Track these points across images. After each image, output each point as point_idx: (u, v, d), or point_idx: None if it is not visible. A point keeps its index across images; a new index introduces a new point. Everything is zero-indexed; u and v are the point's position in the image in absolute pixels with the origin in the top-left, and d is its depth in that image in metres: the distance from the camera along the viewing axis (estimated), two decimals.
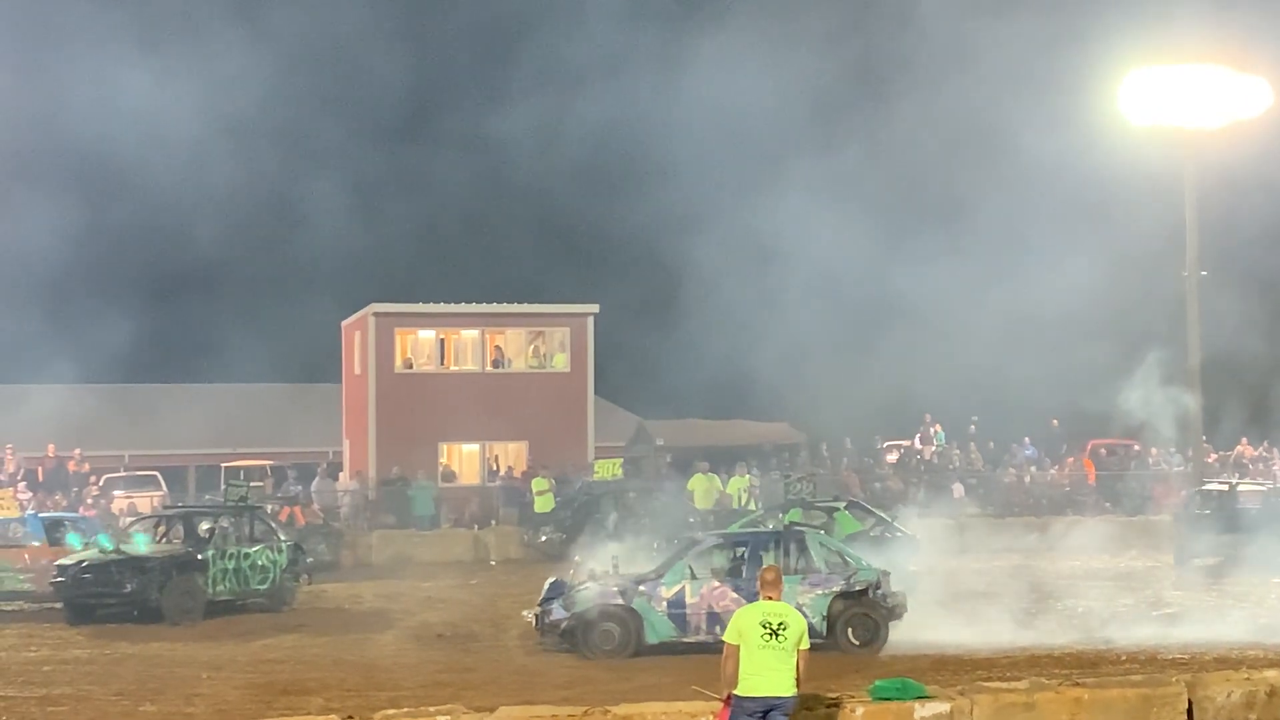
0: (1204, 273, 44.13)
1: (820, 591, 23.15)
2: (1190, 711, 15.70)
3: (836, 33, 40.24)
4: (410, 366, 47.46)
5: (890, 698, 15.16)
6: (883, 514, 31.57)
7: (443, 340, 48.07)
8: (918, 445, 47.05)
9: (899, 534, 30.23)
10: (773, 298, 41.11)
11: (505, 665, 22.26)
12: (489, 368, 47.67)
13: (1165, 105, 43.36)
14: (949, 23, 39.09)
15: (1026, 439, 47.96)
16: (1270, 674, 16.31)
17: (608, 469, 45.09)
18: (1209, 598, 28.47)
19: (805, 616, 22.73)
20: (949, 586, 27.70)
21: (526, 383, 47.54)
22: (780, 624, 13.74)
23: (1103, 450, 46.76)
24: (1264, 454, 46.93)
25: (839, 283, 40.89)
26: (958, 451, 46.61)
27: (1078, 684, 15.90)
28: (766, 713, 13.64)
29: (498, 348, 47.95)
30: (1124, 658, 21.82)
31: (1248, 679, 16.15)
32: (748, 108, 40.68)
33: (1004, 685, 15.96)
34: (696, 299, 38.72)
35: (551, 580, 24.04)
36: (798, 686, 13.81)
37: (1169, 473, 44.77)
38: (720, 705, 14.00)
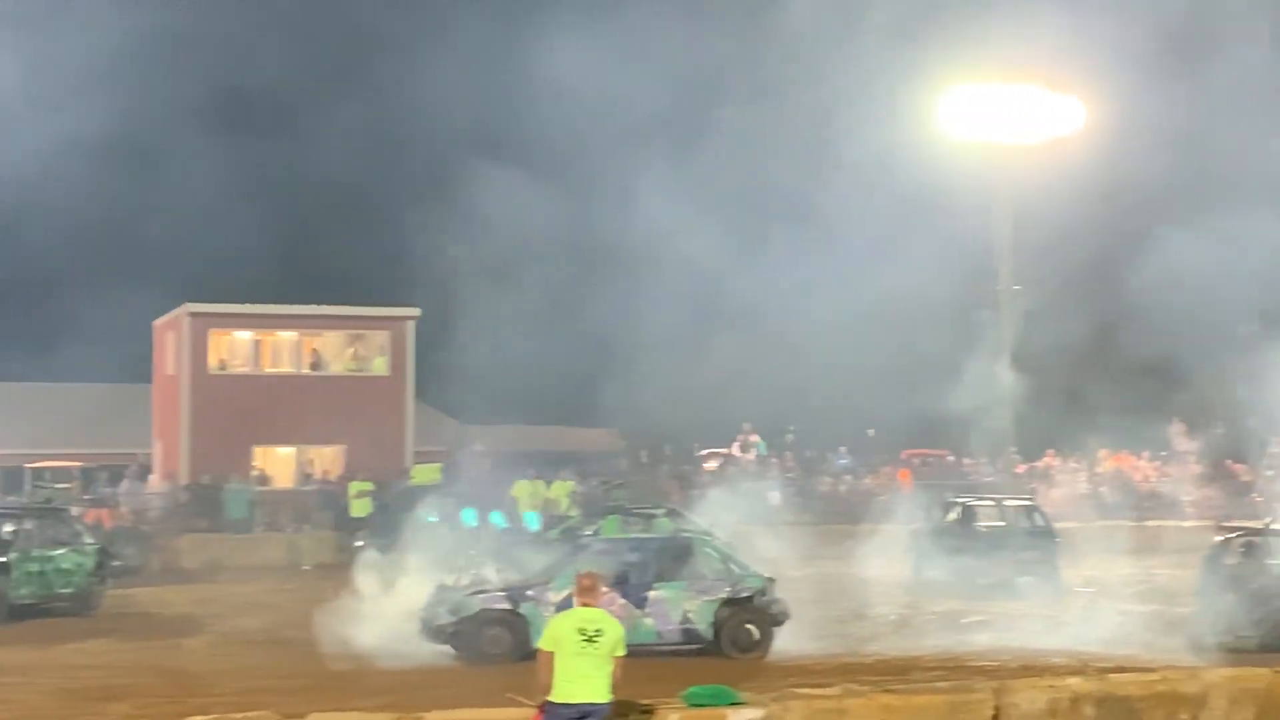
0: (1017, 287, 45.05)
1: (707, 598, 23.34)
2: (996, 718, 15.98)
3: (665, 37, 40.37)
4: (225, 368, 46.82)
5: (704, 704, 15.22)
6: (700, 521, 31.68)
7: (259, 342, 47.50)
8: (736, 453, 47.38)
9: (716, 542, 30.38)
10: (596, 304, 41.13)
11: (322, 671, 21.96)
12: (306, 370, 47.20)
13: (983, 121, 44.28)
14: (776, 35, 39.39)
15: (842, 449, 48.52)
16: (1073, 681, 16.65)
17: (426, 474, 44.78)
18: (1015, 607, 28.96)
19: (691, 622, 23.28)
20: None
21: (344, 386, 47.13)
22: (596, 630, 13.73)
23: (916, 460, 47.46)
24: (1074, 465, 47.95)
25: (663, 290, 41.03)
26: (775, 460, 47.00)
27: (888, 690, 16.11)
28: (583, 716, 13.63)
29: (315, 350, 47.47)
30: (933, 665, 22.12)
31: (1051, 686, 16.47)
32: (572, 110, 40.67)
33: (816, 691, 16.10)
34: (520, 304, 38.59)
35: (437, 585, 23.84)
36: (612, 693, 13.82)
37: (980, 482, 45.54)
38: (535, 712, 13.97)
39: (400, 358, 47.57)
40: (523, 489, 39.04)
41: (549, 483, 40.05)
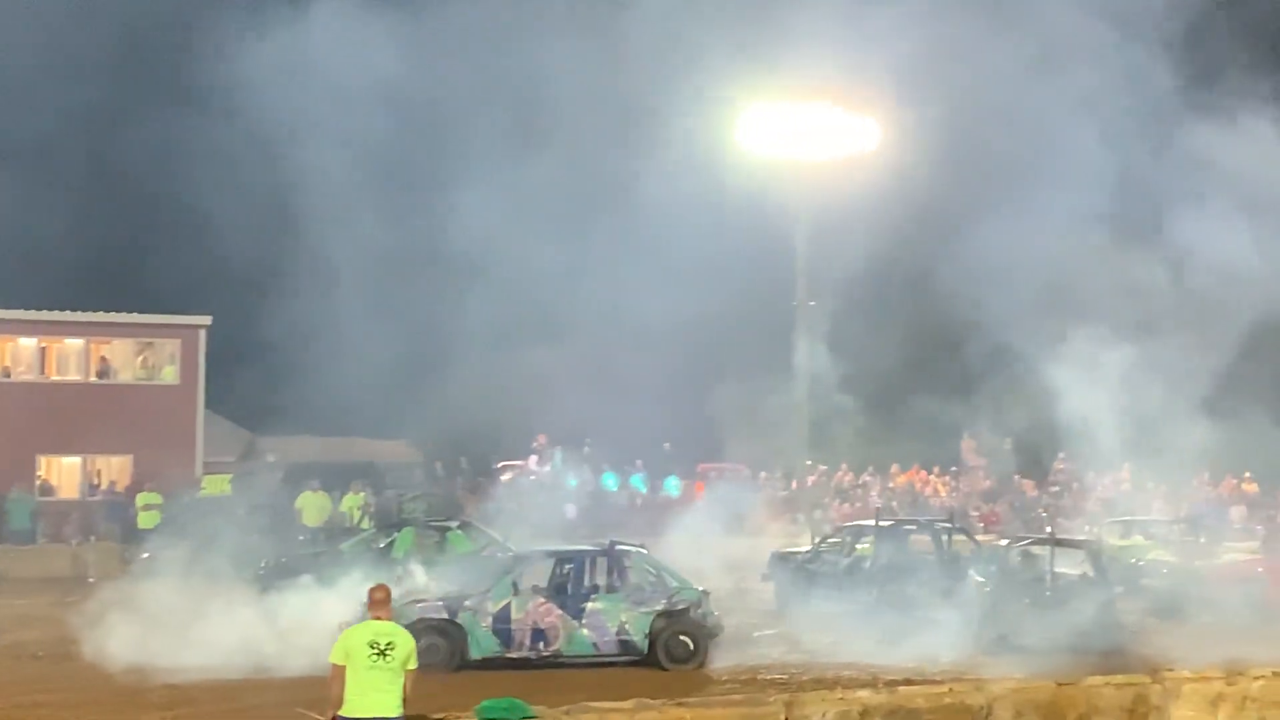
0: (812, 302, 45.55)
1: (643, 610, 23.51)
2: None
3: (469, 46, 40.19)
4: (9, 375, 45.64)
5: (496, 718, 15.12)
6: (495, 534, 31.53)
7: (44, 349, 46.35)
8: (532, 466, 47.22)
9: (512, 554, 30.25)
10: (392, 314, 40.80)
11: (104, 686, 21.43)
12: (93, 378, 46.18)
13: (781, 139, 44.81)
14: (570, 54, 39.41)
15: (639, 461, 48.61)
16: (863, 694, 16.83)
17: (217, 485, 43.98)
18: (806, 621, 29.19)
19: (628, 634, 23.36)
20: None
21: (133, 395, 46.14)
22: (388, 644, 13.58)
23: (712, 473, 47.70)
24: (867, 480, 48.57)
25: (461, 301, 40.81)
26: (572, 472, 46.92)
27: (681, 704, 16.14)
28: None
29: (103, 358, 46.47)
30: (725, 678, 22.22)
31: (841, 699, 16.63)
32: (369, 116, 40.32)
33: (609, 705, 16.08)
34: (314, 313, 38.15)
35: None
36: (404, 707, 13.66)
37: (774, 496, 45.94)
38: None
39: (191, 366, 46.70)
40: (308, 501, 38.50)
41: (342, 494, 39.54)
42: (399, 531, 30.54)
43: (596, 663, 23.12)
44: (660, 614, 23.60)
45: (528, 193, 40.22)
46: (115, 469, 45.30)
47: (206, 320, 46.65)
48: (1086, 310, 32.15)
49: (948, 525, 31.98)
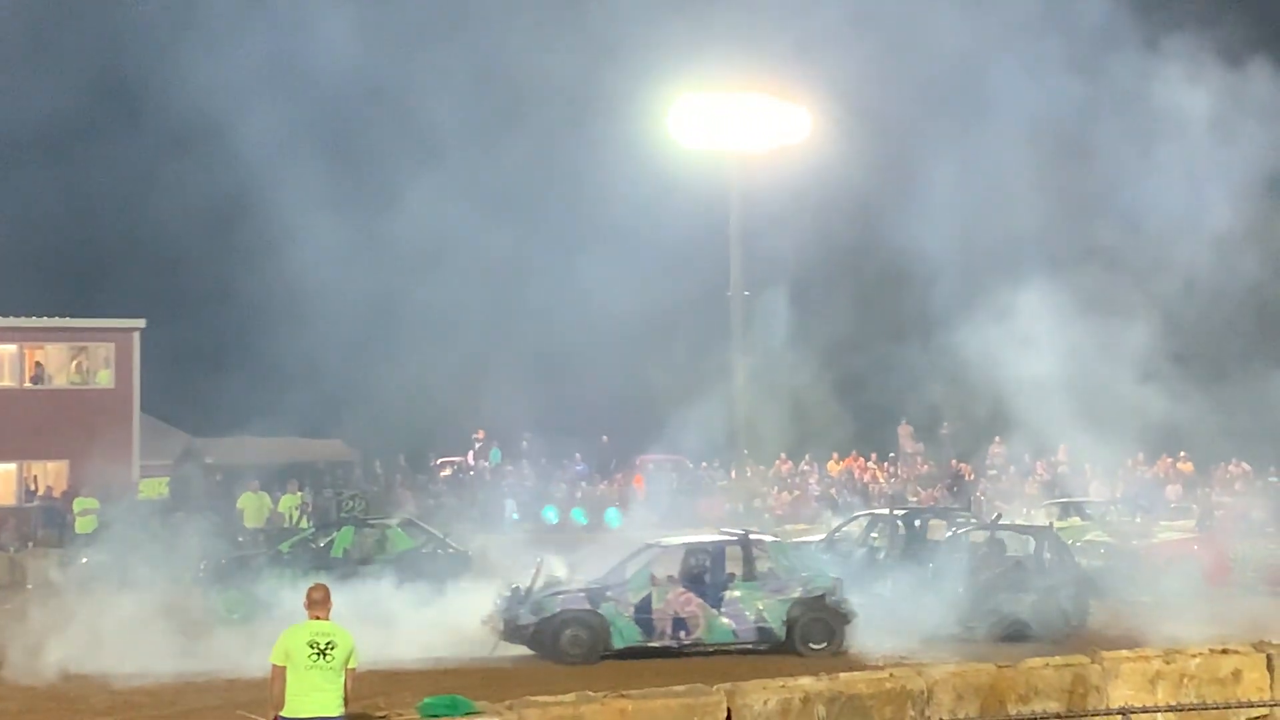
0: (747, 292, 45.65)
1: (779, 597, 23.85)
2: (729, 718, 16.12)
3: (394, 44, 40.10)
4: None
5: (439, 714, 15.07)
6: (435, 531, 31.50)
7: None
8: (470, 462, 47.20)
9: (451, 551, 30.26)
10: (326, 313, 40.66)
11: (40, 693, 21.23)
12: (28, 384, 45.84)
13: (713, 130, 44.90)
14: (502, 48, 39.40)
15: (577, 455, 48.64)
16: (804, 681, 16.86)
17: (154, 488, 43.74)
18: None
19: (765, 621, 23.72)
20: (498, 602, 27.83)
21: (68, 400, 45.84)
22: (328, 643, 13.54)
23: (650, 465, 47.76)
24: (805, 468, 48.72)
25: (392, 300, 40.74)
26: (510, 468, 46.92)
27: (623, 695, 16.12)
28: None
29: (38, 363, 46.13)
30: (667, 668, 22.26)
31: (783, 687, 16.66)
32: (300, 116, 40.18)
33: (552, 699, 16.05)
34: (248, 315, 38.04)
35: (514, 586, 23.91)
36: (345, 706, 13.63)
37: (713, 487, 46.03)
38: None
39: (126, 370, 46.41)
40: (248, 501, 38.35)
41: (280, 495, 39.39)
42: (338, 530, 30.44)
43: (733, 650, 23.51)
44: (796, 601, 23.95)
45: (461, 188, 40.12)
46: (51, 474, 45.00)
47: (140, 324, 46.36)
48: (1021, 293, 32.31)
49: (963, 512, 32.31)
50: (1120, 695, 17.96)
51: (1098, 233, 33.41)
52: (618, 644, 23.24)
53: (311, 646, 13.49)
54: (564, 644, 23.07)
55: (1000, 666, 18.00)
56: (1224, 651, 18.91)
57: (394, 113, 40.76)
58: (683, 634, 23.47)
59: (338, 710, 13.52)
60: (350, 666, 13.67)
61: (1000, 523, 29.14)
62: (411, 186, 39.49)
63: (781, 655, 23.23)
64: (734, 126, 45.28)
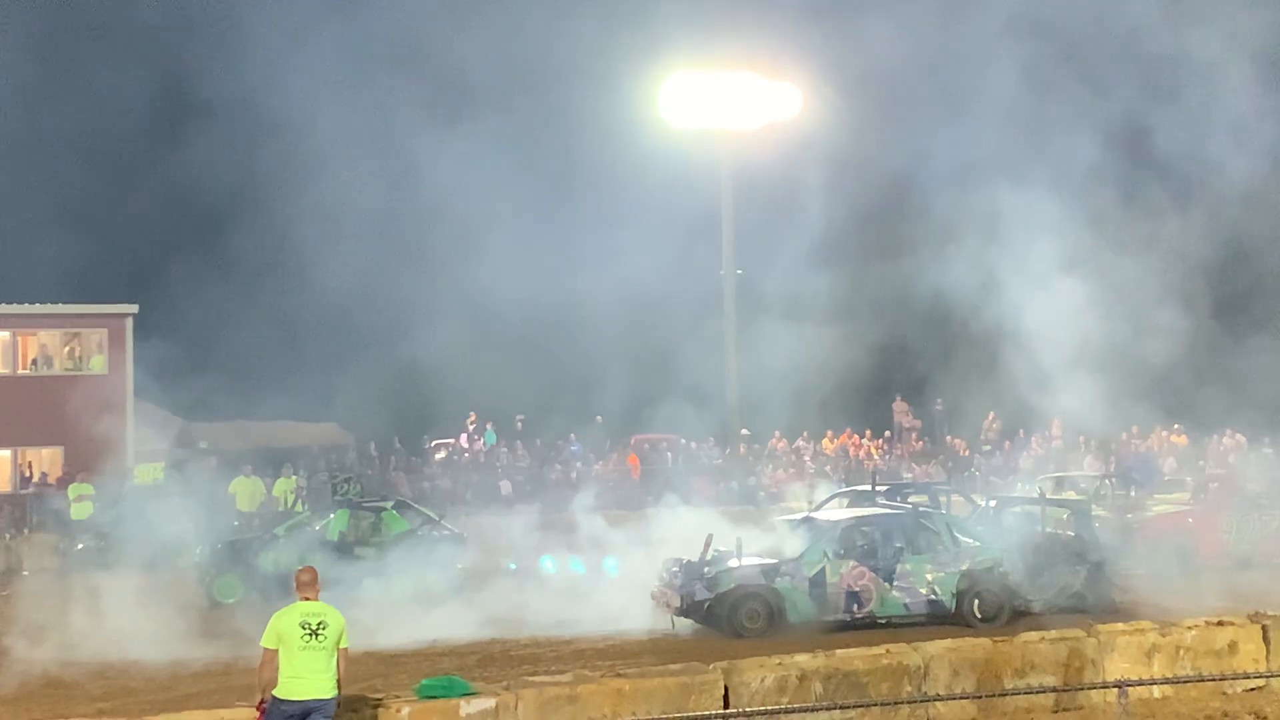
0: (740, 270, 45.61)
1: (949, 570, 24.06)
2: (726, 697, 16.15)
3: (378, 23, 40.01)
4: None
5: (436, 695, 15.10)
6: (430, 513, 31.51)
7: None
8: (464, 444, 47.17)
9: (447, 532, 30.27)
10: (320, 298, 40.64)
11: (38, 678, 21.25)
12: (21, 370, 45.77)
13: (703, 108, 44.87)
14: (498, 26, 39.32)
15: (572, 435, 48.60)
16: (801, 658, 16.89)
17: (149, 473, 43.68)
18: None
19: (936, 594, 23.91)
20: (496, 583, 27.89)
21: (61, 386, 45.68)
22: (320, 624, 13.57)
23: (645, 445, 47.73)
24: (802, 445, 48.71)
25: (387, 281, 40.69)
26: (505, 450, 46.89)
27: (620, 675, 16.16)
28: (306, 715, 13.45)
29: (43, 347, 46.14)
30: (665, 648, 22.28)
31: (780, 664, 16.69)
32: (288, 99, 40.09)
33: (548, 679, 16.09)
34: (242, 300, 38.00)
35: (684, 561, 24.02)
36: (339, 686, 13.65)
37: (709, 466, 46.01)
38: (255, 711, 13.75)
39: (119, 356, 46.32)
40: (241, 486, 38.34)
41: (274, 479, 39.38)
42: (333, 514, 30.44)
43: (906, 624, 23.46)
44: (965, 573, 24.12)
45: (452, 169, 40.06)
46: (46, 460, 44.94)
47: (133, 309, 46.28)
48: (1016, 268, 32.31)
49: (945, 487, 32.38)
50: (1116, 668, 18.00)
51: (1091, 204, 33.35)
52: (793, 618, 23.31)
53: (304, 628, 13.52)
54: (741, 619, 23.14)
55: (996, 641, 18.04)
56: (1219, 624, 18.95)
57: (382, 93, 40.68)
58: (856, 607, 23.59)
59: (331, 692, 13.55)
60: (342, 646, 13.70)
61: (1041, 497, 29.21)
62: (402, 168, 39.46)
63: (952, 627, 23.14)
64: (724, 105, 45.29)
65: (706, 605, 23.28)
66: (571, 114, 40.16)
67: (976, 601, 24.11)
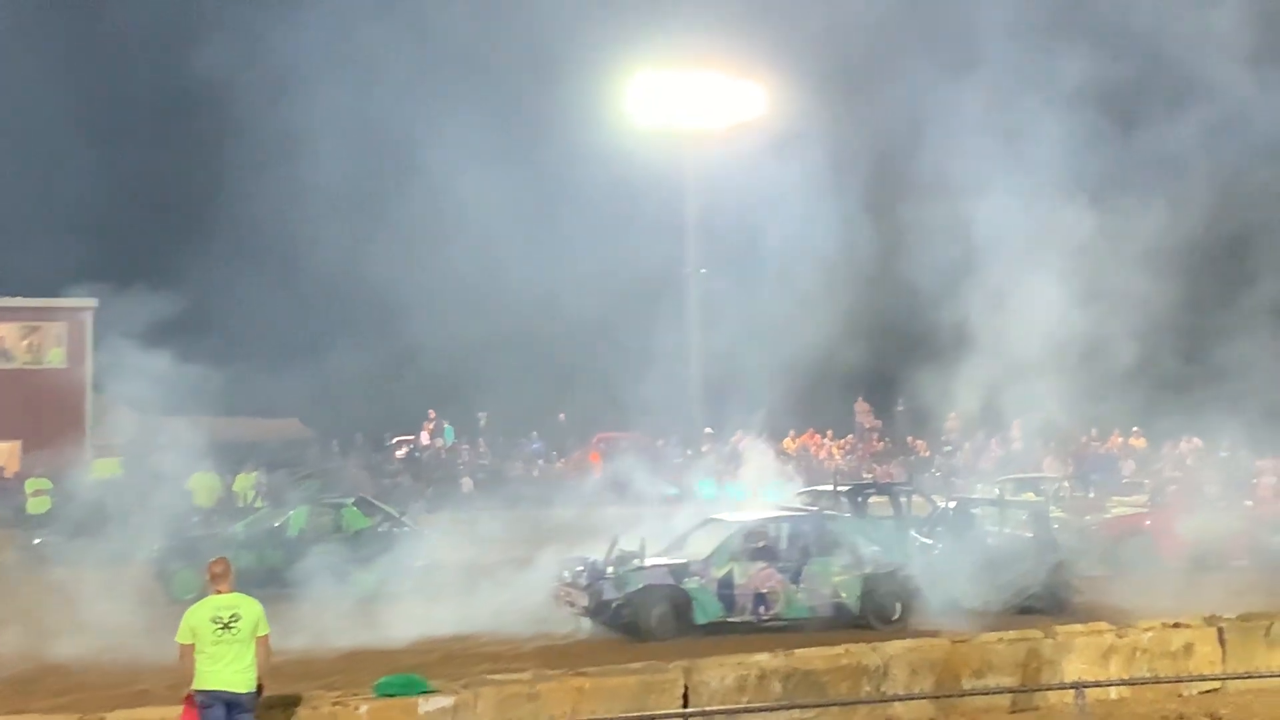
0: (703, 270, 45.67)
1: (854, 572, 24.10)
2: (686, 696, 16.17)
3: (342, 18, 39.91)
4: None
5: (395, 693, 15.09)
6: (391, 510, 31.46)
7: None
8: (425, 441, 47.13)
9: (407, 529, 30.22)
10: (281, 293, 40.48)
11: None
12: None
13: (668, 107, 44.92)
14: (455, 23, 39.22)
15: (534, 433, 48.60)
16: (761, 657, 16.93)
17: (107, 468, 43.48)
18: None
19: (840, 596, 23.91)
20: (456, 581, 27.82)
21: (19, 379, 45.62)
22: (232, 615, 13.63)
23: (605, 444, 47.76)
24: (763, 445, 48.67)
25: (349, 276, 40.56)
26: (466, 447, 46.87)
27: (580, 673, 16.16)
28: (229, 705, 13.48)
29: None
30: (625, 647, 22.29)
31: (740, 664, 16.72)
32: (250, 96, 39.98)
33: (509, 677, 16.09)
34: (202, 294, 37.82)
35: (588, 559, 23.96)
36: (259, 673, 13.66)
37: (678, 464, 45.98)
38: (183, 707, 13.78)
39: (78, 349, 46.22)
40: (200, 481, 38.14)
41: (234, 475, 39.24)
42: (293, 510, 30.36)
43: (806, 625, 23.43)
44: (869, 575, 24.15)
45: (414, 167, 39.99)
46: (4, 454, 44.76)
47: (92, 303, 46.11)
48: (974, 269, 32.42)
49: (906, 487, 32.47)
50: (1074, 669, 18.09)
51: (1054, 204, 33.46)
52: (700, 619, 23.23)
53: (215, 621, 13.60)
54: (650, 620, 22.97)
55: (954, 641, 18.10)
56: (1176, 625, 19.06)
57: (345, 86, 40.53)
58: (762, 609, 23.58)
59: (249, 682, 13.63)
60: (260, 634, 13.70)
61: (1000, 498, 29.42)
62: (363, 165, 39.35)
63: (854, 630, 23.11)
64: (689, 104, 45.37)
65: (614, 605, 23.15)
66: (536, 111, 40.13)
67: (880, 603, 24.15)
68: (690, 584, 23.32)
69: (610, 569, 23.45)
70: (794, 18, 35.83)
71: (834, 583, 24.04)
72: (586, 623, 23.73)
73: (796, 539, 24.38)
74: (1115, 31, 33.70)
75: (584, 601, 23.44)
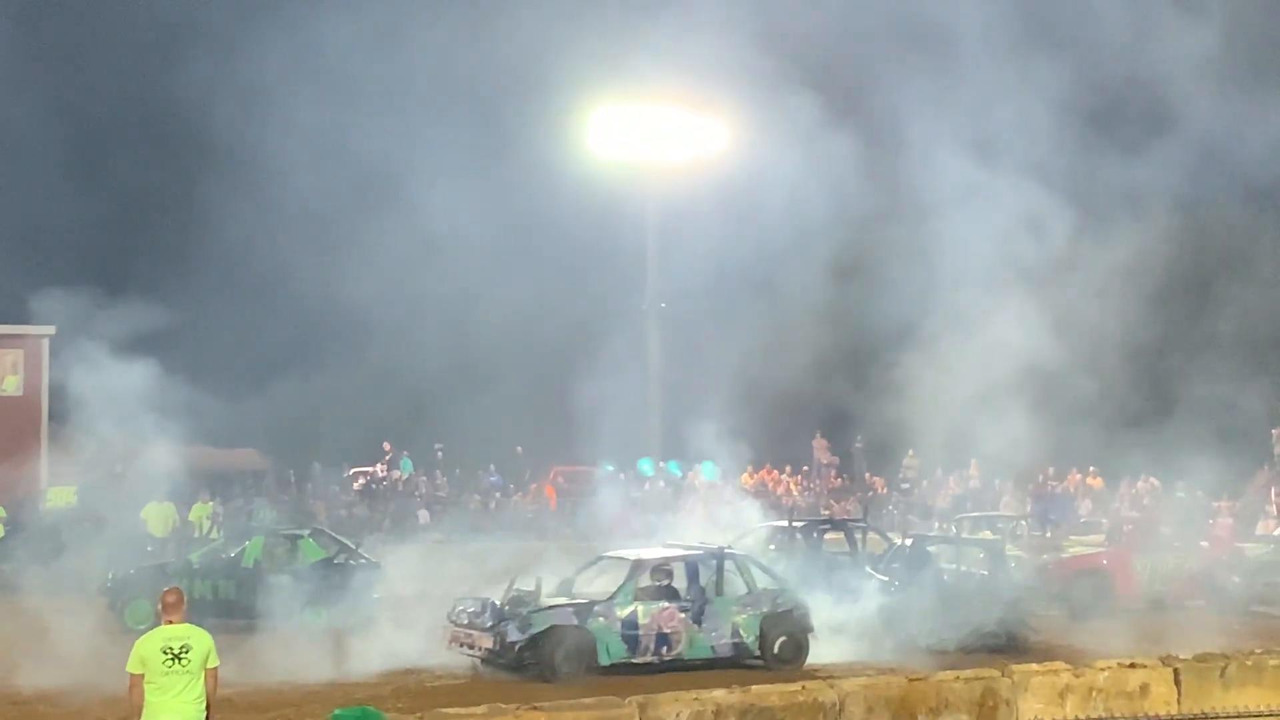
0: (663, 304, 45.70)
1: (753, 611, 23.63)
2: None
3: (311, 52, 39.89)
4: None
5: None
6: (347, 541, 31.33)
7: None
8: (381, 472, 46.99)
9: (363, 561, 30.07)
10: (239, 321, 40.39)
11: None
12: None
13: (631, 141, 45.05)
14: (419, 54, 39.27)
15: (492, 465, 48.51)
16: (718, 693, 16.85)
17: (62, 496, 43.20)
18: None
19: (740, 636, 23.46)
20: (412, 613, 27.71)
21: None
22: (182, 646, 13.52)
23: (560, 478, 47.74)
24: (720, 481, 48.74)
25: (308, 307, 40.49)
26: (424, 478, 46.75)
27: (535, 708, 16.04)
28: None
29: None
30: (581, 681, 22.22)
31: (696, 699, 16.63)
32: (217, 123, 39.94)
33: (463, 710, 15.96)
34: (158, 320, 37.68)
35: (484, 600, 23.08)
36: (208, 704, 13.57)
37: (630, 498, 45.94)
38: None
39: (34, 377, 45.93)
40: (154, 511, 37.91)
41: (190, 505, 39.00)
42: (249, 540, 30.20)
43: (704, 665, 23.15)
44: (768, 615, 23.79)
45: (376, 200, 39.99)
46: None
47: (49, 330, 45.87)
48: (934, 307, 32.56)
49: (861, 524, 32.38)
50: (1030, 709, 18.06)
51: (1016, 239, 33.60)
52: (604, 660, 22.63)
53: (165, 652, 13.48)
54: (556, 661, 22.29)
55: (911, 679, 18.05)
56: (1132, 665, 19.05)
57: (309, 120, 40.50)
58: (665, 650, 23.08)
59: (198, 713, 13.51)
60: (210, 665, 13.62)
61: (956, 536, 29.44)
62: (328, 197, 39.31)
63: (752, 669, 23.00)
64: (651, 138, 45.51)
65: (518, 647, 22.36)
66: (498, 143, 40.15)
67: (779, 643, 23.77)
68: (594, 624, 22.74)
69: (513, 609, 22.80)
70: (756, 53, 35.97)
71: (734, 622, 23.65)
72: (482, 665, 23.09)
73: (697, 577, 23.93)
74: (1086, 65, 33.88)
75: (487, 644, 22.61)
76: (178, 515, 38.33)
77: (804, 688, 17.41)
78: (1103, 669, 18.92)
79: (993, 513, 39.28)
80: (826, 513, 43.10)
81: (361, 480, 47.05)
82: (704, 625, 23.48)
